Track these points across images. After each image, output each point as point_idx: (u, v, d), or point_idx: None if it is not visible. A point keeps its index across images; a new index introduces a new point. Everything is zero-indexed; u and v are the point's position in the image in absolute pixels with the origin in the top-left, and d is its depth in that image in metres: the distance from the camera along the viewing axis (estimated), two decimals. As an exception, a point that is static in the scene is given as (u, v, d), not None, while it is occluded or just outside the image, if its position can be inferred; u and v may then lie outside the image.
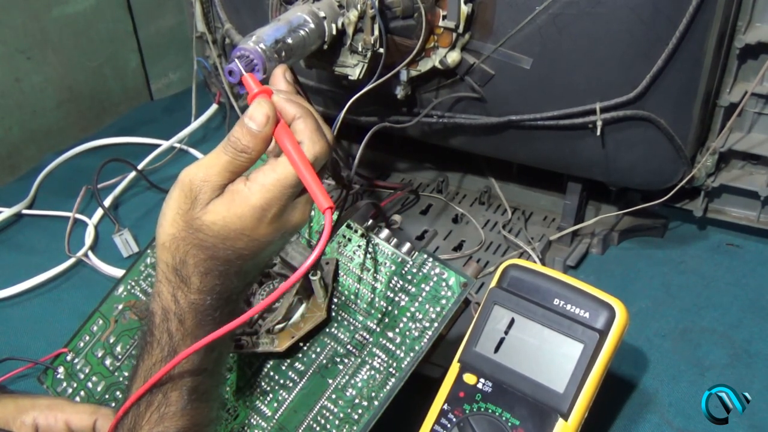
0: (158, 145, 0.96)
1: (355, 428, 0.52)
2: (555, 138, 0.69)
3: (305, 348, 0.56)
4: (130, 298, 0.63)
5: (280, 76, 0.48)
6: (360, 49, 0.61)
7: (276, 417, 0.55)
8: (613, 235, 0.80)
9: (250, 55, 0.51)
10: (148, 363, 0.45)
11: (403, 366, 0.52)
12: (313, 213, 0.60)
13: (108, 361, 0.61)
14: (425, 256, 0.54)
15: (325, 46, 0.60)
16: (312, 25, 0.57)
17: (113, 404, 0.59)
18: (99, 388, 0.61)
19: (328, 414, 0.53)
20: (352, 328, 0.55)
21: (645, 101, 0.64)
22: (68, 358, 0.63)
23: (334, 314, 0.56)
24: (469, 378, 0.52)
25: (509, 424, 0.50)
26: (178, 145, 0.98)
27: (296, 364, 0.56)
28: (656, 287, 0.74)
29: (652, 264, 0.77)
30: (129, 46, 1.11)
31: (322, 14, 0.58)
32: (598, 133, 0.65)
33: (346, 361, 0.54)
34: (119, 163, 0.89)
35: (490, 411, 0.51)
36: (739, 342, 0.67)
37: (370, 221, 0.58)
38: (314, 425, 0.53)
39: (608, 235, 0.79)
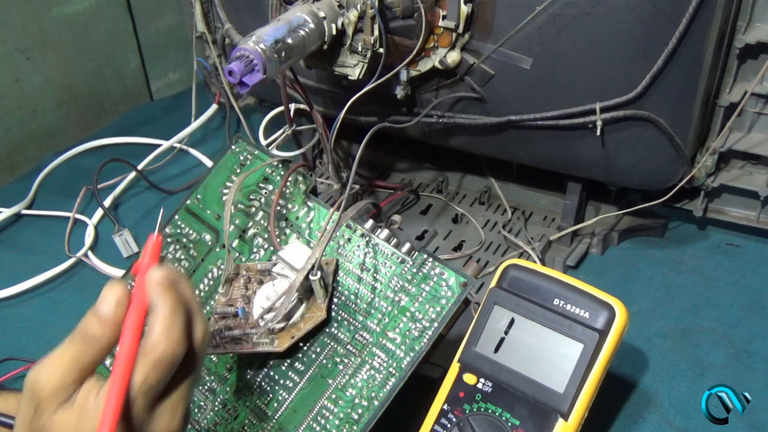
0: (158, 145, 0.96)
1: (355, 428, 0.52)
2: (555, 138, 0.69)
3: (305, 348, 0.56)
4: (130, 298, 0.63)
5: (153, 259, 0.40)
6: (360, 49, 0.61)
7: (276, 417, 0.55)
8: (613, 235, 0.80)
9: (250, 55, 0.51)
10: None
11: (403, 366, 0.52)
12: (313, 213, 0.60)
13: (108, 361, 0.61)
14: (425, 256, 0.54)
15: (325, 46, 0.60)
16: (312, 25, 0.57)
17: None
18: (99, 388, 0.61)
19: (328, 414, 0.53)
20: (352, 328, 0.55)
21: (645, 101, 0.64)
22: (68, 358, 0.63)
23: (334, 314, 0.56)
24: (469, 378, 0.52)
25: (509, 424, 0.50)
26: (178, 145, 0.98)
27: (296, 364, 0.56)
28: (656, 287, 0.74)
29: (652, 264, 0.77)
30: (129, 46, 1.11)
31: (322, 14, 0.58)
32: (598, 133, 0.65)
33: (346, 361, 0.54)
34: (119, 163, 0.89)
35: (490, 411, 0.51)
36: (739, 342, 0.67)
37: (370, 221, 0.58)
38: (314, 425, 0.54)
39: (608, 235, 0.79)
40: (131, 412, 0.36)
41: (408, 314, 0.54)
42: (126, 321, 0.37)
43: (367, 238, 0.57)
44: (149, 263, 0.39)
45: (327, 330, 0.56)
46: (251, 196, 0.62)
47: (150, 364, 0.36)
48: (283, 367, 0.56)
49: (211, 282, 0.60)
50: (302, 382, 0.55)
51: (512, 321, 0.52)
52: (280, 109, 0.82)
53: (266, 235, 0.60)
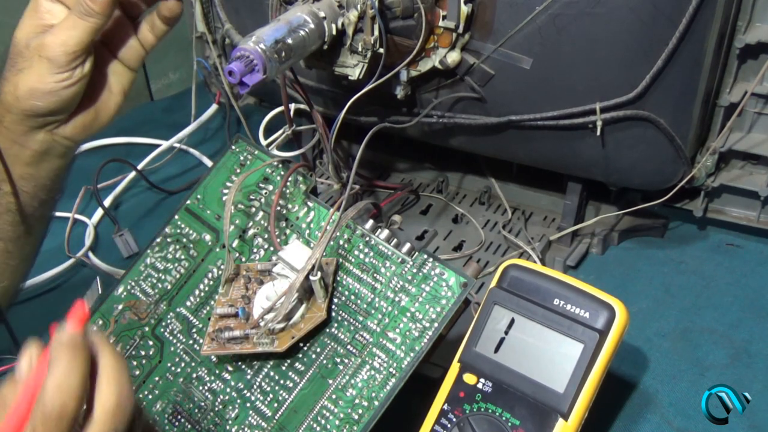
0: (158, 145, 0.96)
1: (355, 428, 0.52)
2: (555, 138, 0.69)
3: (305, 348, 0.56)
4: (130, 298, 0.63)
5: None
6: (360, 50, 0.61)
7: (276, 417, 0.55)
8: (613, 235, 0.80)
9: (250, 55, 0.51)
10: None
11: (403, 366, 0.52)
12: (313, 213, 0.60)
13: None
14: (425, 256, 0.54)
15: (325, 47, 0.60)
16: (312, 26, 0.57)
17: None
18: (99, 389, 0.61)
19: (328, 414, 0.53)
20: (352, 328, 0.55)
21: (645, 101, 0.64)
22: (68, 358, 0.63)
23: (334, 314, 0.56)
24: (469, 378, 0.52)
25: (509, 424, 0.50)
26: (177, 145, 0.98)
27: (296, 364, 0.56)
28: (656, 287, 0.74)
29: (652, 264, 0.77)
30: (129, 46, 1.11)
31: (322, 14, 0.58)
32: (598, 133, 0.65)
33: (346, 361, 0.54)
34: (119, 163, 0.89)
35: (490, 411, 0.51)
36: (739, 342, 0.67)
37: (370, 221, 0.58)
38: (314, 425, 0.54)
39: (608, 235, 0.79)
40: None
41: (408, 314, 0.54)
42: (26, 379, 0.37)
43: (367, 239, 0.57)
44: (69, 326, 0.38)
45: (327, 330, 0.56)
46: (251, 196, 0.62)
47: (39, 418, 0.36)
48: (284, 368, 0.56)
49: (211, 282, 0.60)
50: (302, 383, 0.55)
51: (512, 321, 0.52)
52: (280, 109, 0.82)
53: (266, 236, 0.60)
